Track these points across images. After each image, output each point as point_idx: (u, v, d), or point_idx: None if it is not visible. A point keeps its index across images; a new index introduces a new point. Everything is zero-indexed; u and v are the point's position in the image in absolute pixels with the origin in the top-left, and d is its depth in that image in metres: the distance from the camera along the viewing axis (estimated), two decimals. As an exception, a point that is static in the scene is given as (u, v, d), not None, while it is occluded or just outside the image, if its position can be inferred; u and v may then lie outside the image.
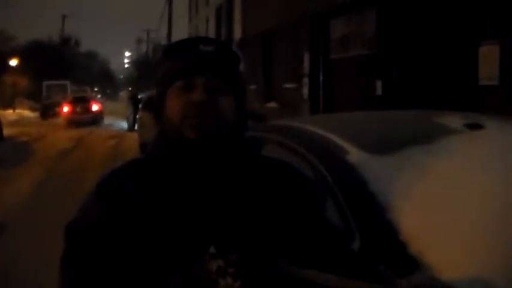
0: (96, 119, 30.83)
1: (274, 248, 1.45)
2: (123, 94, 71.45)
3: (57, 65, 60.27)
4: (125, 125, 27.62)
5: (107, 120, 33.45)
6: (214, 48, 1.54)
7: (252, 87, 21.69)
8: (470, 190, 1.89)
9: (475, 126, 2.40)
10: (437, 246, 1.72)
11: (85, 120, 29.45)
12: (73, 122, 29.07)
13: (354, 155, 2.21)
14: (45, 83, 54.48)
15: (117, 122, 32.86)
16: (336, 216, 2.00)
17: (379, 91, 11.98)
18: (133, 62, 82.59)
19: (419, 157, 2.08)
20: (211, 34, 31.52)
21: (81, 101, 31.58)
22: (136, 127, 20.82)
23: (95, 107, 31.72)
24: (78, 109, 30.55)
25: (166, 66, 1.56)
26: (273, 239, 1.46)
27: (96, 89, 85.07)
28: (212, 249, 1.36)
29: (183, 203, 1.46)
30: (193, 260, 1.37)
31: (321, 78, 15.59)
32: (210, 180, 1.48)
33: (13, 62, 52.16)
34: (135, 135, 19.23)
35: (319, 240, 1.54)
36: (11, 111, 47.07)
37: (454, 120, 2.51)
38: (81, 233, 1.50)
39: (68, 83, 56.51)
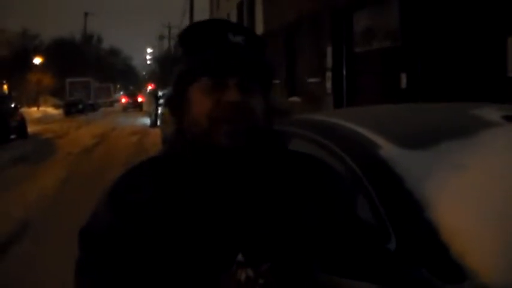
0: (140, 106, 45.96)
1: (307, 254, 1.32)
2: (146, 90, 71.80)
3: (80, 62, 60.88)
4: (147, 121, 27.69)
5: (129, 118, 33.66)
6: (244, 38, 1.36)
7: (275, 81, 21.58)
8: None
9: (513, 118, 2.27)
10: (479, 247, 1.59)
11: (134, 106, 49.51)
12: (126, 108, 49.42)
13: (387, 149, 2.08)
14: (68, 80, 55.07)
15: (139, 118, 33.00)
16: (370, 215, 1.89)
17: (403, 84, 11.81)
18: (156, 59, 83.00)
19: (456, 152, 1.96)
20: (233, 29, 31.40)
21: (132, 96, 54.11)
22: (158, 123, 20.85)
23: (139, 99, 49.34)
24: (130, 100, 51.81)
25: (190, 60, 1.35)
26: (304, 244, 1.32)
27: (118, 86, 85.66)
28: (240, 257, 1.24)
29: (206, 206, 1.31)
30: (219, 269, 1.25)
31: (344, 71, 15.43)
32: (239, 184, 1.33)
33: (37, 60, 52.61)
34: (157, 131, 19.26)
35: (353, 241, 1.42)
36: (35, 108, 47.55)
37: (491, 112, 2.38)
38: (96, 239, 1.38)
39: (90, 80, 57.13)
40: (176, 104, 1.39)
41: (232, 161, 1.30)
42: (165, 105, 17.28)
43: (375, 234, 1.52)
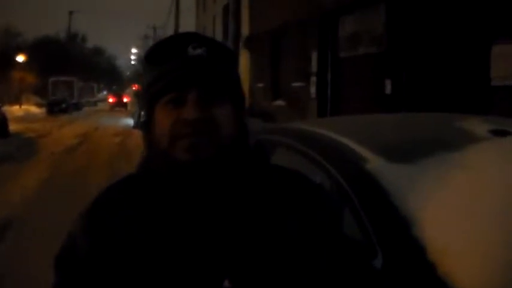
0: (125, 106, 53.62)
1: (295, 278, 1.27)
2: (129, 91, 71.76)
3: (64, 61, 60.50)
4: (130, 121, 27.56)
5: (112, 118, 33.52)
6: (205, 50, 1.30)
7: (260, 85, 21.58)
8: (501, 203, 1.74)
9: (501, 133, 2.26)
10: (467, 266, 1.57)
11: (119, 106, 55.05)
12: (113, 107, 54.71)
13: (374, 163, 2.06)
14: (52, 79, 54.74)
15: (123, 118, 32.85)
16: (356, 230, 1.87)
17: (388, 90, 11.84)
18: (140, 59, 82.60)
19: (444, 166, 1.94)
20: (219, 31, 31.45)
21: (117, 96, 60.83)
22: (142, 124, 20.75)
23: (125, 99, 56.64)
24: (116, 100, 57.58)
25: (151, 76, 1.31)
26: (292, 266, 1.26)
27: (102, 85, 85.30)
28: (227, 284, 1.20)
29: (187, 231, 1.25)
30: None
31: (329, 76, 15.46)
32: (214, 203, 1.26)
33: (20, 58, 52.17)
34: (140, 133, 19.17)
35: (338, 260, 1.38)
36: (17, 107, 47.11)
37: (478, 126, 2.37)
38: (72, 265, 1.32)
39: (74, 79, 56.77)
40: (145, 122, 1.34)
41: (196, 176, 1.25)
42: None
43: (360, 253, 1.48)
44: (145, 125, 1.35)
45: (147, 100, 1.32)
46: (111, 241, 1.28)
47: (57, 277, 1.35)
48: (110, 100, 59.27)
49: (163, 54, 1.31)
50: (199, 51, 1.29)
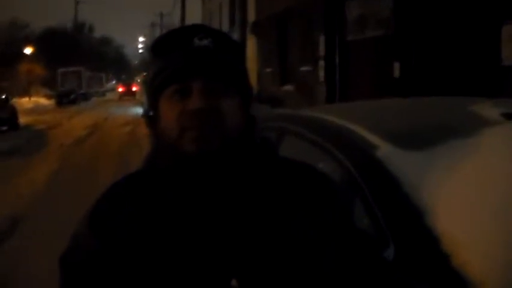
0: (134, 95, 55.11)
1: (304, 275, 1.23)
2: (138, 79, 71.99)
3: (72, 51, 60.66)
4: (140, 110, 27.59)
5: (121, 108, 33.60)
6: (211, 41, 1.28)
7: (268, 70, 21.52)
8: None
9: (513, 116, 2.21)
10: (482, 257, 1.53)
11: (129, 95, 56.25)
12: (122, 96, 56.35)
13: (384, 150, 2.02)
14: (60, 70, 54.87)
15: (132, 107, 32.90)
16: (367, 220, 1.83)
17: (396, 73, 11.77)
18: (148, 47, 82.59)
19: (456, 153, 1.89)
20: (225, 17, 31.35)
21: (127, 85, 62.28)
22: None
23: (134, 88, 59.63)
24: (125, 89, 59.55)
25: (156, 67, 1.30)
26: (300, 262, 1.23)
27: (110, 75, 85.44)
28: (234, 283, 1.17)
29: (194, 228, 1.22)
30: None
31: (337, 60, 15.38)
32: (222, 199, 1.24)
33: (28, 50, 52.27)
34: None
35: (348, 253, 1.34)
36: (26, 99, 47.32)
37: (489, 109, 2.31)
38: (77, 267, 1.31)
39: (82, 69, 56.95)
40: (151, 116, 1.33)
41: (203, 169, 1.23)
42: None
43: (371, 245, 1.44)
44: (151, 118, 1.33)
45: (152, 92, 1.30)
46: (117, 240, 1.26)
47: (62, 277, 1.34)
48: (120, 89, 60.90)
49: (168, 45, 1.30)
50: (205, 42, 1.28)
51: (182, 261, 1.21)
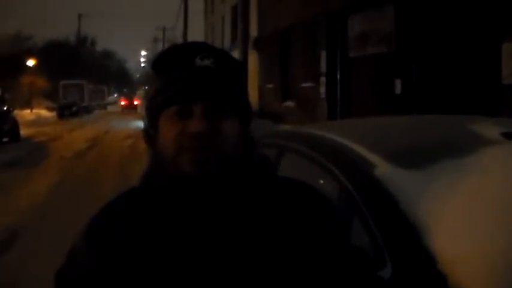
0: (136, 108, 57.52)
1: None
2: (140, 93, 72.27)
3: (74, 64, 60.80)
4: (141, 124, 27.60)
5: (123, 121, 33.65)
6: (213, 62, 1.28)
7: (269, 85, 21.56)
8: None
9: (513, 136, 2.21)
10: (479, 278, 1.53)
11: (130, 108, 58.68)
12: (125, 109, 58.89)
13: (383, 168, 2.02)
14: (62, 82, 54.99)
15: (133, 121, 32.94)
16: (365, 239, 1.83)
17: (398, 90, 11.79)
18: (150, 61, 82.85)
19: (455, 172, 1.89)
20: (227, 32, 31.44)
21: (129, 99, 66.37)
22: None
23: (136, 102, 62.94)
24: (127, 103, 63.38)
25: (157, 86, 1.29)
26: (295, 278, 1.22)
27: (112, 88, 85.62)
28: None
29: (189, 245, 1.23)
30: None
31: (339, 76, 15.42)
32: (216, 217, 1.24)
33: (30, 62, 52.40)
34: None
35: (343, 273, 1.31)
36: (28, 111, 47.35)
37: (490, 128, 2.32)
38: (73, 282, 1.31)
39: (84, 82, 57.07)
40: (149, 133, 1.32)
41: (200, 190, 1.23)
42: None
43: (367, 264, 1.43)
44: (150, 136, 1.32)
45: (153, 110, 1.30)
46: (112, 256, 1.26)
47: None
48: (122, 103, 64.79)
49: (170, 64, 1.30)
50: (207, 62, 1.28)
51: (178, 278, 1.21)
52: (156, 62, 1.33)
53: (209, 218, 1.24)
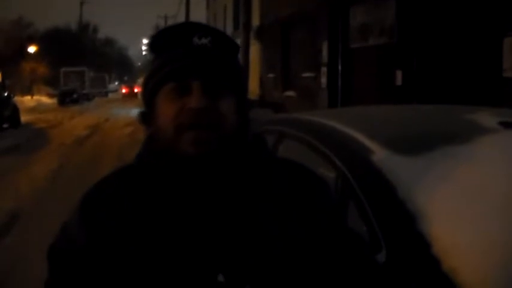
0: (136, 96, 55.29)
1: (292, 274, 1.24)
2: (140, 81, 72.20)
3: (75, 51, 60.70)
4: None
5: (123, 109, 33.64)
6: (210, 40, 1.27)
7: (270, 75, 21.52)
8: (510, 197, 1.71)
9: (511, 125, 2.22)
10: (472, 263, 1.54)
11: (131, 96, 57.50)
12: (126, 97, 57.74)
13: (380, 155, 2.03)
14: (63, 69, 54.91)
15: (134, 108, 32.91)
16: (360, 224, 1.84)
17: (399, 81, 11.78)
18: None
19: (452, 160, 1.91)
20: (229, 21, 31.36)
21: (130, 87, 64.63)
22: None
23: (136, 90, 59.78)
24: (128, 90, 61.80)
25: (155, 64, 1.29)
26: (289, 260, 1.24)
27: (113, 76, 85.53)
28: (221, 278, 1.18)
29: (183, 224, 1.23)
30: None
31: (340, 67, 15.39)
32: (213, 197, 1.24)
33: (31, 49, 52.30)
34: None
35: (339, 255, 1.33)
36: (29, 97, 47.30)
37: (488, 118, 2.33)
38: (66, 258, 1.31)
39: (85, 69, 56.97)
40: (146, 112, 1.32)
41: (200, 170, 1.23)
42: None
43: (362, 247, 1.44)
44: (146, 116, 1.32)
45: (150, 89, 1.29)
46: (105, 231, 1.26)
47: (50, 268, 1.35)
48: (123, 91, 64.07)
49: (167, 43, 1.29)
50: (204, 41, 1.27)
51: (170, 256, 1.21)
52: (154, 41, 1.32)
53: (204, 195, 1.24)
